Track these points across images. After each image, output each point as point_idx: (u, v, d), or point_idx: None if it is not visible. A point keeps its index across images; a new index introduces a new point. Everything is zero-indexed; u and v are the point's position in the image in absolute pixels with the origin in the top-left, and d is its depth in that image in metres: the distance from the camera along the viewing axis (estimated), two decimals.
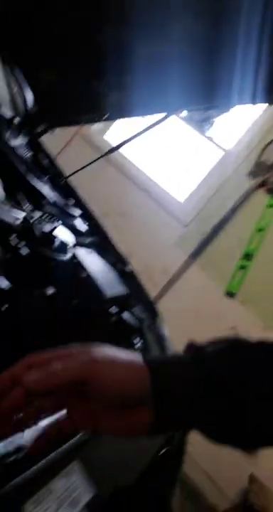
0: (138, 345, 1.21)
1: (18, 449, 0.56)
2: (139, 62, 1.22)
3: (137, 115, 1.43)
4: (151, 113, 1.39)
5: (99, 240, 1.49)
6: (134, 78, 1.19)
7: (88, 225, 1.51)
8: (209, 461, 2.35)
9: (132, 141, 1.78)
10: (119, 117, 1.45)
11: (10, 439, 0.59)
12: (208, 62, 1.27)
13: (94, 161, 2.41)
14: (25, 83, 1.44)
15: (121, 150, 2.21)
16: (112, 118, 1.43)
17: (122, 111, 1.35)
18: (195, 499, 2.42)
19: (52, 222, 1.24)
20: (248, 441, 0.47)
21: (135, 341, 1.17)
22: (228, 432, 0.45)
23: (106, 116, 1.42)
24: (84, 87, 1.26)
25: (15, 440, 0.59)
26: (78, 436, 0.62)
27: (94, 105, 1.33)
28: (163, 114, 1.57)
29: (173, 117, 1.84)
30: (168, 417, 0.45)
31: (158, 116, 1.58)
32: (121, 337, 1.19)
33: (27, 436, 0.60)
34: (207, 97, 1.41)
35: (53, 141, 1.84)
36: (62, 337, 1.08)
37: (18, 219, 0.94)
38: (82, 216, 1.51)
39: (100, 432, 0.44)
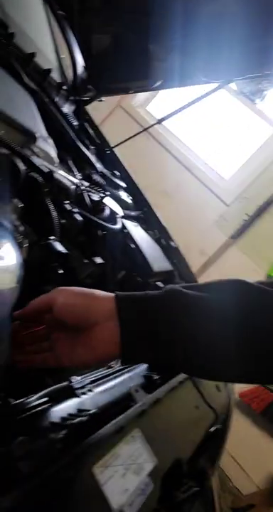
0: None
1: (80, 412, 0.54)
2: (200, 24, 1.14)
3: (191, 84, 1.35)
4: (207, 81, 1.31)
5: (143, 213, 1.45)
6: (194, 41, 1.12)
7: (132, 199, 1.48)
8: (236, 446, 2.33)
9: (176, 114, 1.71)
10: (172, 86, 1.38)
11: (69, 403, 0.58)
12: (266, 27, 1.18)
13: (137, 134, 2.34)
14: (77, 47, 1.39)
15: (164, 124, 2.14)
16: (164, 87, 1.36)
17: (177, 78, 1.28)
18: (221, 483, 2.43)
19: (101, 192, 1.21)
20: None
21: None
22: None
23: (158, 84, 1.35)
24: (139, 51, 1.19)
25: (75, 404, 0.58)
26: (138, 404, 0.61)
27: (148, 71, 1.27)
28: (213, 86, 1.49)
29: (222, 90, 1.75)
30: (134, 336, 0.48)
31: (206, 89, 1.50)
32: None
33: (87, 400, 0.59)
34: (263, 65, 1.31)
35: (93, 113, 1.79)
36: None
37: (73, 184, 0.91)
38: (127, 189, 1.48)
39: (75, 362, 0.51)
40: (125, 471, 0.48)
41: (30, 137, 0.81)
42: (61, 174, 0.85)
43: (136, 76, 1.35)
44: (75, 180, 0.99)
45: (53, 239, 0.80)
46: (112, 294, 0.52)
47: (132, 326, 0.49)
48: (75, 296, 0.52)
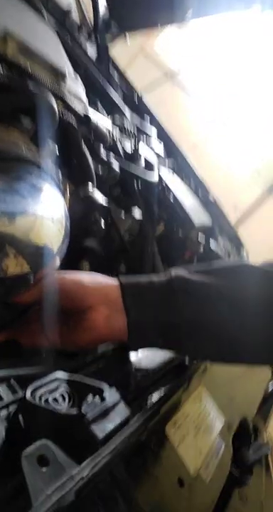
0: None
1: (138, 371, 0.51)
2: None
3: (224, 10, 1.20)
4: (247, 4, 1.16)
5: (177, 164, 1.36)
6: None
7: (164, 148, 1.38)
8: None
9: (204, 60, 1.55)
10: (204, 14, 1.23)
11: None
12: None
13: (160, 81, 2.18)
14: None
15: (193, 70, 1.98)
16: (195, 16, 1.21)
17: (208, 5, 1.14)
18: None
19: (133, 139, 1.12)
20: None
21: None
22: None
23: (188, 13, 1.21)
24: None
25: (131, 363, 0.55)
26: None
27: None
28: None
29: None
30: (139, 320, 0.47)
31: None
32: None
33: (142, 359, 0.55)
34: None
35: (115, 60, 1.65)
36: (146, 261, 1.01)
37: (108, 130, 0.83)
38: (158, 137, 1.38)
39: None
40: (196, 431, 0.44)
41: (60, 75, 0.73)
42: (97, 117, 0.77)
43: (162, 6, 1.21)
44: (109, 126, 0.91)
45: (94, 191, 0.74)
46: (115, 280, 0.50)
47: (138, 314, 0.48)
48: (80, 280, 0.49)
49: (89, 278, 0.50)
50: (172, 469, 0.36)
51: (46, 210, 0.42)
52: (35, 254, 0.39)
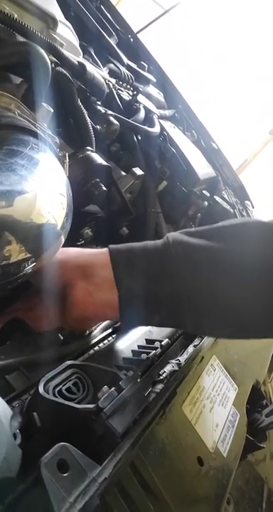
0: None
1: (150, 343, 0.50)
2: None
3: None
4: None
5: (178, 112, 1.27)
6: None
7: (164, 95, 1.29)
8: None
9: None
10: None
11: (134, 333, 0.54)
12: None
13: (159, 17, 2.04)
14: None
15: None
16: None
17: None
18: None
19: (130, 89, 1.04)
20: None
21: None
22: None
23: None
24: None
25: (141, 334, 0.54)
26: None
27: None
28: None
29: None
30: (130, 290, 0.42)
31: None
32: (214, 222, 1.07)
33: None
34: None
35: None
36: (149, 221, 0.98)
37: (105, 81, 0.76)
38: (157, 83, 1.28)
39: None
40: (212, 405, 0.44)
41: (50, 22, 0.65)
42: (92, 68, 0.70)
43: None
44: (105, 76, 0.83)
45: (90, 150, 0.69)
46: (105, 250, 0.45)
47: (131, 285, 0.42)
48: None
49: (73, 254, 0.46)
50: (191, 449, 0.36)
51: (46, 186, 0.39)
52: (38, 238, 0.36)
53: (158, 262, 0.43)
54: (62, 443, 0.26)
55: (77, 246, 0.70)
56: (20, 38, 0.55)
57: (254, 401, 0.54)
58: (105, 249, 0.45)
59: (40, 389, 0.31)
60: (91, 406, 0.31)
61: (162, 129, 0.99)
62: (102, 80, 0.73)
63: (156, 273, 0.42)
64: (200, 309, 0.42)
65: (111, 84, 0.91)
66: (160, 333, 0.53)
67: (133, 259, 0.44)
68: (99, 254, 0.45)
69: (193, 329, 0.47)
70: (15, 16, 0.55)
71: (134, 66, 1.17)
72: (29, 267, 0.36)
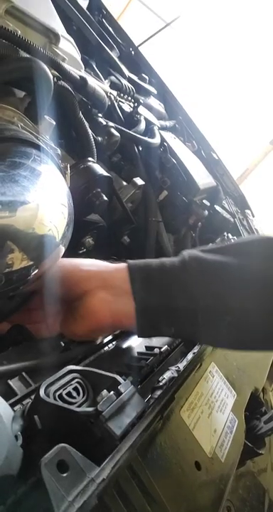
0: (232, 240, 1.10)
1: (150, 349, 0.51)
2: None
3: None
4: None
5: (178, 123, 1.29)
6: None
7: (164, 106, 1.31)
8: None
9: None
10: None
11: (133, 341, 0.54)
12: None
13: (160, 30, 2.07)
14: None
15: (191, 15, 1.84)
16: None
17: None
18: None
19: (131, 101, 1.06)
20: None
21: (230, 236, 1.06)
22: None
23: None
24: None
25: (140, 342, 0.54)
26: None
27: None
28: None
29: None
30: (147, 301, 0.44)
31: None
32: (214, 231, 1.08)
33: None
34: None
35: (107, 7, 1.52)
36: (150, 231, 0.99)
37: (106, 94, 0.78)
38: (157, 95, 1.30)
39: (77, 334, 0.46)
40: (210, 411, 0.44)
41: (53, 37, 0.67)
42: (93, 81, 0.72)
43: None
44: (106, 89, 0.85)
45: (91, 161, 0.70)
46: (124, 265, 0.47)
47: (147, 298, 0.44)
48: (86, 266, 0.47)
49: (86, 263, 0.47)
50: (188, 454, 0.37)
51: (48, 196, 0.40)
52: (40, 246, 0.37)
53: (174, 277, 0.45)
54: (62, 444, 0.27)
55: (79, 254, 0.71)
56: (24, 54, 0.57)
57: (253, 408, 0.54)
58: (124, 264, 0.47)
59: (41, 393, 0.32)
60: (90, 409, 0.31)
61: (162, 139, 1.00)
62: (103, 93, 0.75)
63: (172, 287, 0.44)
64: (213, 323, 0.43)
65: (112, 97, 0.93)
66: (160, 340, 0.54)
67: (150, 273, 0.46)
68: (117, 267, 0.47)
69: (207, 342, 0.49)
70: (19, 32, 0.57)
71: (135, 78, 1.20)
72: (31, 275, 0.37)
